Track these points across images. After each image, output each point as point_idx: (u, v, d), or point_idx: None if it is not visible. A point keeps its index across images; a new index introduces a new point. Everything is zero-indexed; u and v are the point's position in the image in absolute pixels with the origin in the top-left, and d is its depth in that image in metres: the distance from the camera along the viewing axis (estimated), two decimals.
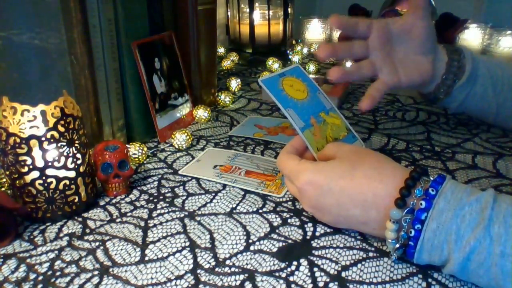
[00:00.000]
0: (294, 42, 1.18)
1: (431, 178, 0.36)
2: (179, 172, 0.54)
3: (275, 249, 0.40)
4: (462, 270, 0.33)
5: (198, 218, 0.45)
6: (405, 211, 0.35)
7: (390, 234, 0.36)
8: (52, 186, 0.42)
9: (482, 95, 0.58)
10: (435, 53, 0.56)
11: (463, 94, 0.58)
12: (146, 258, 0.39)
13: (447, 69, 0.57)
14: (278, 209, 0.46)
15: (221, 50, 1.12)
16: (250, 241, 0.41)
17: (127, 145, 0.53)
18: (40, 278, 0.37)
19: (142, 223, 0.44)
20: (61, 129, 0.42)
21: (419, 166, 0.41)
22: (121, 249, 0.40)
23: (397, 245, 0.36)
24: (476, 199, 0.34)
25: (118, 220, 0.45)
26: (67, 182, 0.43)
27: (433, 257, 0.35)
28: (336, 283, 0.36)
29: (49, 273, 0.37)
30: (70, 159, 0.43)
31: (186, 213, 0.46)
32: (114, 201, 0.48)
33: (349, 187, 0.38)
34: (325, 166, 0.41)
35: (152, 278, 0.37)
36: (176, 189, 0.50)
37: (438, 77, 0.57)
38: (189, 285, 0.36)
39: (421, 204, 0.35)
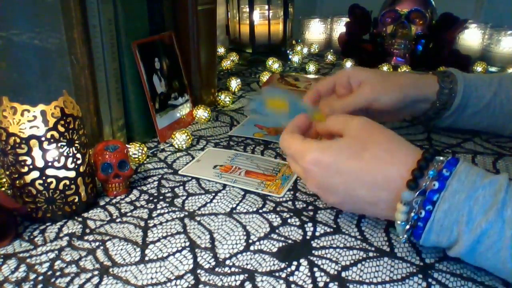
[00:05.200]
0: (294, 42, 1.18)
1: (444, 159, 0.35)
2: (179, 172, 0.54)
3: (275, 249, 0.40)
4: (470, 252, 0.33)
5: (198, 218, 0.45)
6: (417, 193, 0.35)
7: (400, 216, 0.36)
8: (52, 186, 0.42)
9: (471, 116, 0.58)
10: (414, 96, 0.55)
11: (451, 119, 0.59)
12: (146, 258, 0.39)
13: (433, 104, 0.56)
14: (278, 209, 0.46)
15: (221, 50, 1.12)
16: (250, 241, 0.41)
17: (127, 145, 0.53)
18: (40, 278, 0.37)
19: (142, 223, 0.44)
20: (61, 129, 0.42)
21: (431, 147, 0.41)
22: (121, 249, 0.40)
23: (407, 227, 0.36)
24: (490, 181, 0.33)
25: (118, 220, 0.45)
26: (67, 182, 0.43)
27: (441, 238, 0.34)
28: (336, 283, 0.36)
29: (49, 273, 0.37)
30: (70, 159, 0.43)
31: (186, 213, 0.46)
32: (114, 201, 0.48)
33: (358, 168, 0.37)
34: (332, 145, 0.39)
35: (152, 278, 0.37)
36: (176, 189, 0.50)
37: (429, 100, 0.57)
38: (189, 285, 0.36)
39: (434, 185, 0.34)
